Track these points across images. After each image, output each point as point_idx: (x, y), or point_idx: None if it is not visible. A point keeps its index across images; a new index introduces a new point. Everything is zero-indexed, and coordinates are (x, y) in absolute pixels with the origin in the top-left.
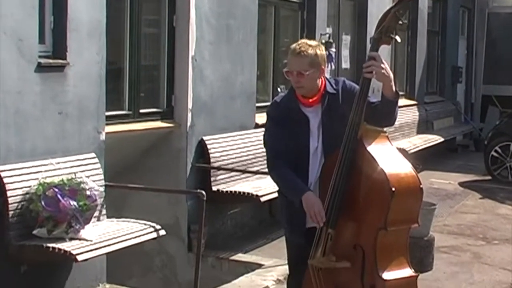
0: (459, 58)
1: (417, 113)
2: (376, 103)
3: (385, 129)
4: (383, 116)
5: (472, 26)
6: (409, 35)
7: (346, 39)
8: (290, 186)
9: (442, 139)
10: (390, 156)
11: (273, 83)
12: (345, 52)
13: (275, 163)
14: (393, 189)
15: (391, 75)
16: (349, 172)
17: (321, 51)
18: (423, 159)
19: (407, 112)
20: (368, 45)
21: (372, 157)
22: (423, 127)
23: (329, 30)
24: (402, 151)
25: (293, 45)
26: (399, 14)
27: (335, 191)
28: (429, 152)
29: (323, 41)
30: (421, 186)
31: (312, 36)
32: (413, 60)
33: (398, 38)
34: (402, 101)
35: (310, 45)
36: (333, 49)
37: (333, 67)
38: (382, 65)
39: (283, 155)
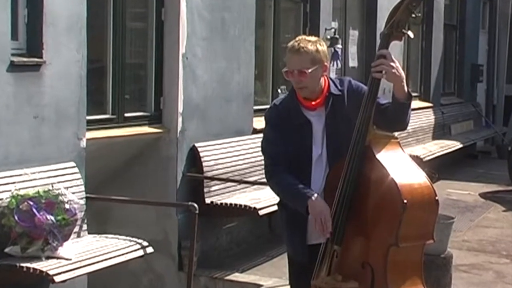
0: (480, 54)
1: (433, 117)
2: (386, 105)
3: (396, 134)
4: (394, 120)
5: (494, 19)
6: (423, 30)
7: (354, 34)
8: (293, 191)
9: (460, 145)
10: (402, 164)
11: (273, 83)
12: (353, 49)
13: (273, 169)
14: (405, 201)
15: (403, 75)
16: (356, 183)
17: (323, 46)
18: (440, 168)
19: (422, 116)
20: (378, 41)
21: (382, 165)
22: (440, 132)
23: (334, 24)
24: (416, 158)
25: (291, 43)
26: (412, 6)
27: (341, 203)
28: (446, 159)
29: (328, 36)
30: (436, 197)
31: (315, 31)
32: (428, 58)
33: (411, 34)
34: (416, 103)
35: (309, 41)
36: (339, 46)
37: (339, 65)
38: (392, 63)
39: (283, 162)
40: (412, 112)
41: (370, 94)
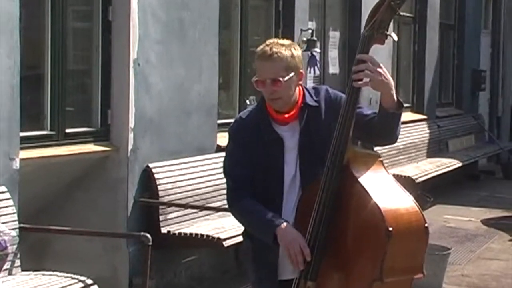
0: (482, 59)
1: (427, 131)
2: (371, 115)
3: (383, 151)
4: (382, 132)
5: (498, 17)
6: (415, 31)
7: (335, 36)
8: (258, 219)
9: (459, 164)
10: (386, 187)
11: (240, 93)
12: (333, 53)
13: (236, 194)
14: (390, 228)
15: (392, 81)
16: (333, 208)
17: (298, 51)
18: (435, 190)
19: (414, 130)
20: None
21: (363, 188)
22: (435, 148)
23: (312, 24)
24: (408, 179)
25: (261, 47)
26: (395, 4)
27: (315, 232)
28: (443, 180)
29: (305, 38)
30: (426, 225)
31: (290, 33)
32: (421, 63)
33: (394, 36)
34: (407, 116)
35: (283, 45)
36: (317, 49)
37: (317, 72)
38: (379, 69)
39: (249, 187)
40: (404, 126)
41: (348, 106)
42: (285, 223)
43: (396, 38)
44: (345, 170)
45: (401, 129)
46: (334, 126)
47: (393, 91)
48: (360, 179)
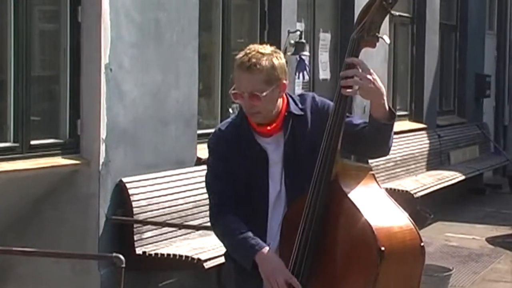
0: (486, 62)
1: (427, 141)
2: (361, 125)
3: (378, 163)
4: (372, 145)
5: (504, 18)
6: (414, 32)
7: (325, 38)
8: (238, 240)
9: (462, 177)
10: (378, 203)
11: (222, 101)
12: (324, 57)
13: (219, 211)
14: (383, 248)
15: (383, 89)
16: (320, 227)
17: (280, 60)
18: (436, 206)
19: (413, 140)
20: None
21: (353, 204)
22: (436, 160)
23: (300, 26)
24: (406, 194)
25: (240, 56)
26: (387, 4)
27: (301, 253)
28: (445, 195)
29: (292, 41)
30: (421, 244)
31: (276, 35)
32: (420, 67)
33: (386, 38)
34: (405, 125)
35: (263, 54)
36: (306, 53)
37: (306, 77)
38: (368, 75)
39: (232, 203)
40: (402, 136)
41: (336, 115)
42: (266, 249)
43: (388, 41)
44: (333, 184)
45: (399, 140)
46: (321, 137)
47: (385, 100)
48: (349, 194)
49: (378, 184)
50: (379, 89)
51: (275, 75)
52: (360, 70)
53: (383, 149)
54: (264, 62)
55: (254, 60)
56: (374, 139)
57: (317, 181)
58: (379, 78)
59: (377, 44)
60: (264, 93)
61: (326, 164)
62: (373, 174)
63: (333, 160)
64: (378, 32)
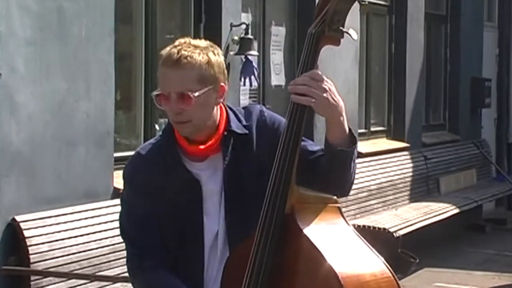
0: (485, 63)
1: (410, 165)
2: (318, 153)
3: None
4: (328, 178)
5: (507, 7)
6: (392, 24)
7: (279, 33)
8: None
9: (456, 210)
10: (345, 244)
11: (146, 114)
12: (277, 57)
13: (139, 264)
14: None
15: (341, 104)
16: (272, 275)
17: (218, 56)
18: (422, 248)
19: (392, 163)
20: None
21: (314, 246)
22: (422, 189)
23: (247, 17)
24: (384, 234)
25: (167, 50)
26: None
27: None
28: (434, 233)
29: (236, 37)
30: None
31: (215, 29)
32: (400, 69)
33: (353, 33)
34: (382, 144)
35: (196, 46)
36: (255, 52)
37: (254, 84)
38: (323, 84)
39: (156, 251)
40: (378, 158)
41: (290, 132)
42: None
43: (355, 37)
44: (288, 221)
45: (374, 163)
46: (271, 161)
47: (343, 118)
48: (308, 233)
49: (345, 220)
50: (337, 104)
51: (210, 73)
52: (309, 79)
53: (341, 186)
54: (198, 55)
55: (185, 53)
56: (330, 171)
57: (267, 217)
58: (348, 83)
59: (342, 40)
60: (197, 93)
61: (278, 194)
62: (339, 207)
63: (288, 188)
64: (343, 26)
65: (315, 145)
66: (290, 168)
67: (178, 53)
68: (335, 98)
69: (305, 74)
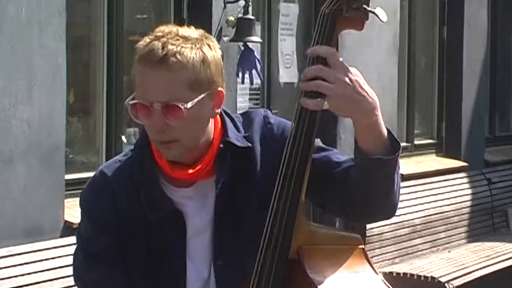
0: None
1: (469, 191)
2: (346, 163)
3: (379, 229)
4: (361, 198)
5: None
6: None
7: (290, 12)
8: None
9: None
10: None
11: (109, 123)
12: (287, 45)
13: None
14: None
15: (374, 100)
16: None
17: (214, 51)
18: None
19: (444, 189)
20: None
21: None
22: (485, 223)
23: None
24: (432, 284)
25: (146, 42)
26: None
27: None
28: (502, 284)
29: (232, 18)
30: None
31: (204, 8)
32: (454, 62)
33: (381, 13)
34: (430, 162)
35: (187, 39)
36: (256, 38)
37: (256, 81)
38: (342, 75)
39: None
40: (424, 182)
41: (297, 145)
42: None
43: (384, 18)
44: (293, 269)
45: (419, 188)
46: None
47: (377, 118)
48: (321, 285)
49: (372, 267)
50: (365, 99)
51: (206, 76)
52: (326, 68)
53: (381, 207)
54: (189, 51)
55: (172, 48)
56: (364, 188)
57: (265, 264)
58: (383, 80)
59: (367, 22)
60: (189, 104)
61: (280, 232)
62: (363, 249)
63: (292, 223)
64: (368, 3)
65: (341, 154)
66: (296, 194)
67: (163, 48)
68: (360, 92)
69: (317, 52)
